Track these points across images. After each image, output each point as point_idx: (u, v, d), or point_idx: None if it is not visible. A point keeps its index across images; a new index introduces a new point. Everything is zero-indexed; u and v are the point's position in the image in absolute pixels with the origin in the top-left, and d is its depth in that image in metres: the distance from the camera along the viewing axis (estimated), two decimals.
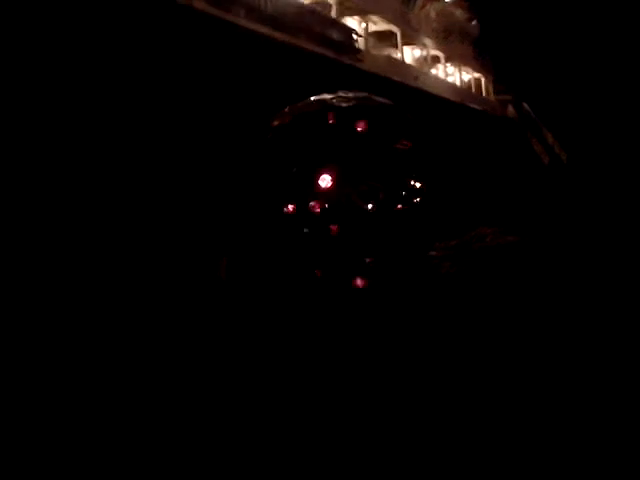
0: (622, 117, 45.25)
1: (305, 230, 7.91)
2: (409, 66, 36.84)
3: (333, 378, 7.31)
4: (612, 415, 6.24)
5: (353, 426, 6.19)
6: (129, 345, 7.77)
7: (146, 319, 8.64)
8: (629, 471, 5.18)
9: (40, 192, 12.70)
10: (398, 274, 9.57)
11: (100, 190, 13.58)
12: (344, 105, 8.23)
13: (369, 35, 32.32)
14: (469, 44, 46.15)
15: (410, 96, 30.99)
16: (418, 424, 6.30)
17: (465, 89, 45.94)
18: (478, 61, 47.09)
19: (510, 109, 49.21)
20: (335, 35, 27.11)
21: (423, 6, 39.70)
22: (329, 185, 7.49)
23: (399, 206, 7.80)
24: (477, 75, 48.54)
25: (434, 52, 40.80)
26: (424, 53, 39.54)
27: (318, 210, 7.69)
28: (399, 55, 35.51)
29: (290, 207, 8.00)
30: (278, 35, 22.85)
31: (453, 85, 43.31)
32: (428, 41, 39.66)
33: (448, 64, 43.08)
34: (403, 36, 35.72)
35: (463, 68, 45.72)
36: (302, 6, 25.90)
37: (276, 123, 8.59)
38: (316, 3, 28.40)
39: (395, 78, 31.48)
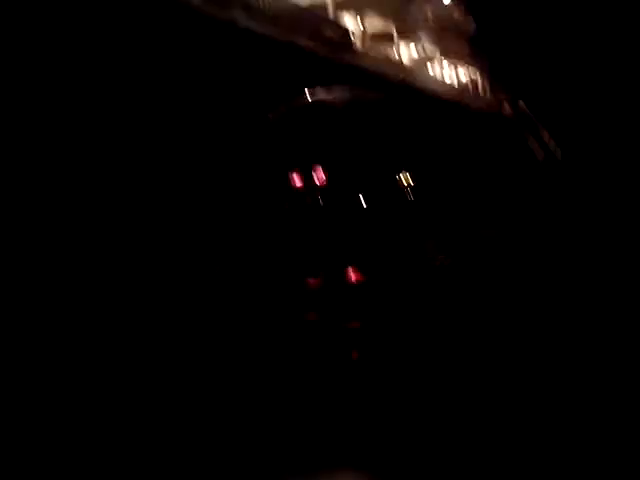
0: (618, 115, 45.41)
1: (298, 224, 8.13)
2: (405, 64, 36.99)
3: (330, 372, 7.51)
4: (610, 410, 6.43)
5: (354, 421, 6.39)
6: (128, 343, 7.97)
7: (147, 318, 8.83)
8: (629, 471, 5.35)
9: (61, 192, 12.84)
10: (392, 266, 9.78)
11: (93, 183, 13.69)
12: (338, 102, 8.42)
13: (365, 33, 32.44)
14: (465, 42, 46.25)
15: (406, 93, 31.18)
16: (416, 417, 6.50)
17: (461, 87, 46.05)
18: (474, 59, 47.18)
19: (506, 107, 49.27)
20: (331, 32, 27.26)
21: (420, 5, 39.84)
22: (322, 180, 7.71)
23: (391, 200, 8.05)
24: (473, 73, 48.62)
25: (430, 50, 40.92)
26: (420, 51, 39.67)
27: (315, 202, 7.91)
28: (395, 52, 35.65)
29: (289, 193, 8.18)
30: (274, 32, 23.00)
31: (449, 83, 43.44)
32: (424, 39, 39.79)
33: (444, 62, 43.19)
34: (399, 34, 35.84)
35: (459, 66, 45.83)
36: (298, 3, 26.05)
37: (271, 118, 8.80)
38: (312, 2, 28.55)
39: (391, 75, 31.63)
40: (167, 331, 8.20)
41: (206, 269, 10.14)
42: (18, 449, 5.45)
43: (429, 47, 40.64)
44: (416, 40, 39.02)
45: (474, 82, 49.10)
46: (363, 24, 32.14)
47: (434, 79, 40.36)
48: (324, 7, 29.03)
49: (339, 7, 29.92)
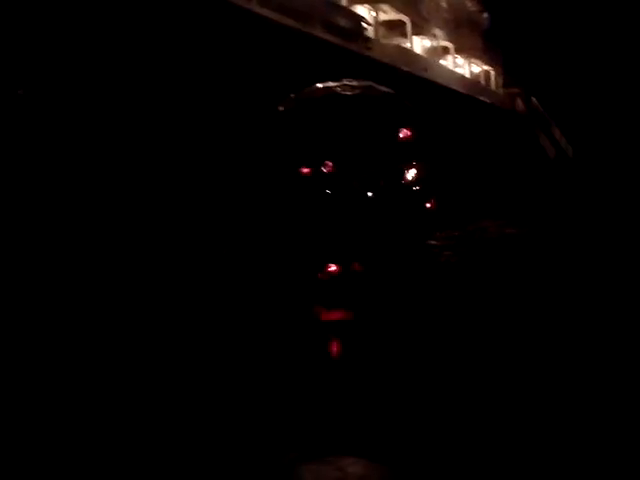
0: (630, 113, 45.18)
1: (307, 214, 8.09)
2: (418, 56, 36.78)
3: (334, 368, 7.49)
4: (611, 410, 6.36)
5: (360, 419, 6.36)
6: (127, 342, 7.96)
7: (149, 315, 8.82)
8: (629, 471, 5.29)
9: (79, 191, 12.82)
10: (397, 260, 9.72)
11: (102, 181, 13.66)
12: (348, 93, 8.39)
13: (379, 24, 32.25)
14: (479, 36, 46.00)
15: (418, 86, 30.99)
16: (418, 415, 6.44)
17: (474, 81, 45.84)
18: (488, 53, 46.94)
19: (518, 102, 49.07)
20: (344, 23, 27.12)
21: None
22: (332, 173, 7.67)
23: (396, 193, 7.99)
24: (486, 67, 48.39)
25: (444, 43, 40.69)
26: (434, 43, 39.43)
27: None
28: (408, 45, 35.43)
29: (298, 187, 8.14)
30: (288, 22, 22.90)
31: (462, 77, 43.22)
32: (438, 31, 39.54)
33: (457, 55, 42.96)
34: (413, 26, 35.61)
35: (472, 60, 45.59)
36: None
37: (281, 109, 8.76)
38: None
39: (404, 68, 31.45)
40: (170, 327, 8.20)
41: (215, 260, 10.15)
42: (18, 449, 5.41)
43: (443, 40, 40.41)
44: (430, 32, 38.80)
45: (487, 77, 48.90)
46: (377, 15, 31.94)
47: (447, 72, 40.15)
48: None
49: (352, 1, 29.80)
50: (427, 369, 7.61)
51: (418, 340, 8.44)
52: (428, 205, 9.95)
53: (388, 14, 33.66)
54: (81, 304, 9.09)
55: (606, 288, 11.22)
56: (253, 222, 8.92)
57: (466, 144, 33.01)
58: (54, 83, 13.59)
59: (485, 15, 47.44)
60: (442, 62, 40.68)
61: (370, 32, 30.25)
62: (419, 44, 38.42)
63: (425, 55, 38.53)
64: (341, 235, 8.65)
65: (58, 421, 5.91)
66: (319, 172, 8.17)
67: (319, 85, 9.01)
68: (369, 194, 8.25)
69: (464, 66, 44.87)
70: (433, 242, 14.31)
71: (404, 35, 35.32)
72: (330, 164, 8.15)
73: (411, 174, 8.80)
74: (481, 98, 42.79)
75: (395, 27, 34.85)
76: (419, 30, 37.10)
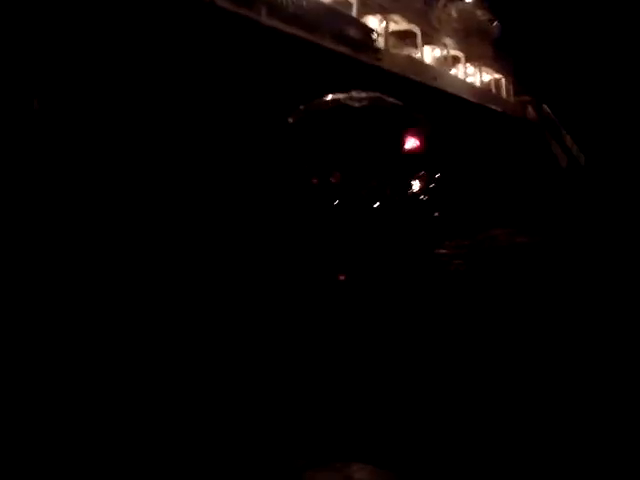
0: None
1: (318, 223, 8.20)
2: (429, 66, 36.89)
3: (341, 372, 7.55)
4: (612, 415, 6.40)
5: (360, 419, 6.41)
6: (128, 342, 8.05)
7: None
8: (629, 471, 5.32)
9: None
10: (406, 270, 9.79)
11: (110, 183, 13.78)
12: (356, 105, 8.50)
13: (389, 34, 32.39)
14: (489, 45, 46.07)
15: (429, 96, 31.08)
16: (422, 418, 6.49)
17: (485, 90, 45.89)
18: (498, 62, 47.00)
19: (530, 111, 49.08)
20: (354, 34, 27.26)
21: (444, 6, 39.73)
22: (341, 183, 7.79)
23: (403, 202, 8.08)
24: (497, 76, 48.45)
25: (454, 52, 40.79)
26: (444, 53, 39.55)
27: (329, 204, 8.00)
28: (419, 55, 35.55)
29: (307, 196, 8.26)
30: (298, 33, 23.05)
31: (473, 86, 43.29)
32: (448, 41, 39.65)
33: (468, 64, 43.05)
34: (423, 36, 35.75)
35: (483, 69, 45.66)
36: (322, 4, 26.10)
37: (291, 120, 8.88)
38: (337, 2, 28.59)
39: (414, 78, 31.56)
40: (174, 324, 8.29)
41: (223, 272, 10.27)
42: (18, 449, 5.47)
43: (453, 49, 40.52)
44: (440, 42, 38.92)
45: (498, 85, 48.95)
46: (387, 25, 32.07)
47: (458, 81, 40.23)
48: (348, 7, 29.06)
49: (363, 7, 29.89)
50: (435, 376, 7.65)
51: (427, 348, 8.49)
52: (436, 214, 10.03)
53: (398, 24, 33.80)
54: (82, 304, 9.18)
55: (619, 298, 11.21)
56: (263, 232, 9.02)
57: (477, 152, 33.04)
58: (68, 95, 13.75)
59: (495, 24, 47.52)
60: (452, 71, 40.78)
61: (380, 42, 30.37)
62: (429, 54, 38.55)
63: (435, 65, 38.64)
64: (349, 245, 8.73)
65: (58, 421, 5.97)
66: (328, 182, 8.26)
67: (328, 97, 9.12)
68: (377, 204, 8.32)
69: (475, 75, 44.94)
70: (443, 251, 14.40)
71: (414, 45, 35.45)
72: (338, 175, 8.25)
73: (419, 184, 8.88)
74: (492, 107, 42.83)
75: (405, 37, 35.00)
76: (429, 40, 37.23)
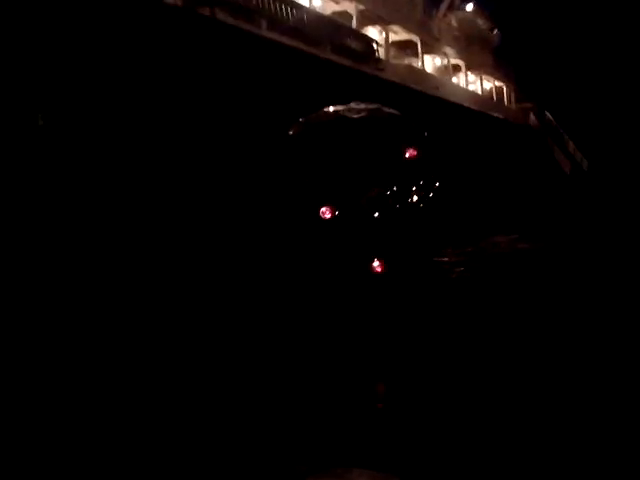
0: None
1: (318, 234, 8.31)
2: (430, 75, 37.04)
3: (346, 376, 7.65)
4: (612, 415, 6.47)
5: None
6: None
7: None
8: (629, 471, 5.39)
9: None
10: (407, 276, 9.88)
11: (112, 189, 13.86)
12: (355, 116, 8.64)
13: (390, 45, 32.55)
14: (490, 53, 46.23)
15: (431, 105, 31.21)
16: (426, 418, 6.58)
17: (486, 98, 46.01)
18: (499, 70, 47.14)
19: (532, 117, 49.16)
20: (355, 45, 27.43)
21: (444, 15, 39.91)
22: (340, 191, 7.92)
23: (402, 211, 8.18)
24: (499, 84, 48.57)
25: (455, 61, 40.94)
26: (445, 62, 39.70)
27: (329, 215, 8.11)
28: (420, 64, 35.70)
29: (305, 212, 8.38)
30: (299, 45, 23.20)
31: (474, 94, 43.42)
32: (449, 50, 39.81)
33: (469, 73, 43.19)
34: (424, 45, 35.90)
35: (484, 77, 45.79)
36: (322, 16, 26.30)
37: (291, 133, 9.02)
38: (337, 13, 28.79)
39: (416, 87, 31.70)
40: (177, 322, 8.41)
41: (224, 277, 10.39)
42: (18, 449, 5.54)
43: (454, 58, 40.67)
44: (441, 51, 39.08)
45: (500, 93, 49.06)
46: (387, 35, 32.23)
47: (459, 90, 40.37)
48: (349, 18, 29.23)
49: (363, 19, 30.06)
50: (436, 381, 7.74)
51: (428, 353, 8.58)
52: (437, 223, 10.14)
53: (399, 35, 33.96)
54: (83, 304, 9.28)
55: (622, 303, 11.27)
56: (263, 243, 9.15)
57: (480, 160, 33.14)
58: (72, 111, 13.89)
59: (496, 32, 47.70)
60: (454, 80, 40.92)
61: (381, 53, 30.54)
62: (430, 63, 38.70)
63: (437, 74, 38.79)
64: (351, 254, 8.85)
65: (58, 421, 6.02)
66: (328, 193, 8.40)
67: (327, 109, 9.26)
68: (377, 214, 8.45)
69: (476, 83, 45.08)
70: (445, 258, 14.51)
71: (415, 55, 35.61)
72: (339, 185, 8.38)
73: (419, 193, 9.00)
74: (494, 114, 42.94)
75: (406, 47, 35.15)
76: (430, 49, 37.38)
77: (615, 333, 9.59)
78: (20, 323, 8.47)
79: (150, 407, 6.50)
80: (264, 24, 21.47)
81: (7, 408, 6.23)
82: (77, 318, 8.72)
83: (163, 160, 15.08)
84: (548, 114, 48.59)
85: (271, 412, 6.59)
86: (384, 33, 32.16)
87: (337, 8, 29.08)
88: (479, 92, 44.93)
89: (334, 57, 25.63)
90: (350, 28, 28.69)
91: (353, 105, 9.21)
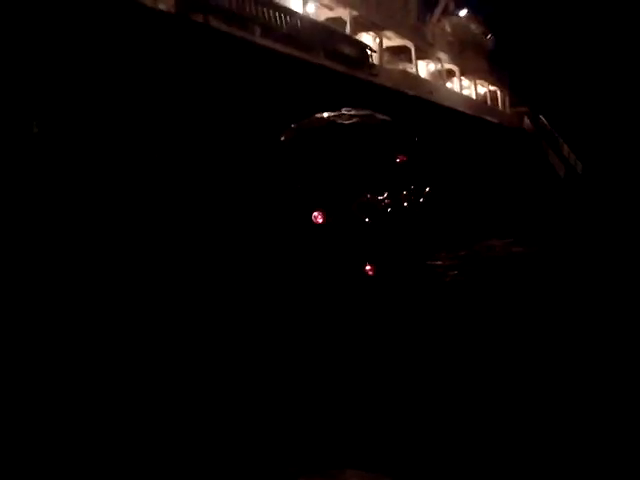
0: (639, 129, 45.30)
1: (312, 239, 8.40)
2: (424, 80, 37.18)
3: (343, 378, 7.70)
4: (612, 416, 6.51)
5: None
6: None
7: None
8: (629, 471, 5.44)
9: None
10: (399, 280, 9.95)
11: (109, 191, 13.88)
12: (346, 122, 8.73)
13: (384, 50, 32.68)
14: (484, 57, 46.41)
15: (425, 110, 31.33)
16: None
17: (480, 102, 46.18)
18: (493, 74, 47.33)
19: (526, 121, 49.36)
20: (349, 51, 27.54)
21: (438, 21, 40.09)
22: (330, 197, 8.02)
23: (393, 216, 8.28)
24: (493, 88, 48.76)
25: (449, 66, 41.10)
26: (439, 67, 39.85)
27: (321, 220, 8.20)
28: (414, 70, 35.84)
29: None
30: (293, 52, 23.29)
31: (468, 98, 43.58)
32: (443, 55, 39.97)
33: (463, 78, 43.35)
34: (417, 51, 36.04)
35: (478, 81, 45.97)
36: (316, 23, 26.40)
37: (282, 139, 9.11)
38: (331, 20, 28.90)
39: (410, 92, 31.83)
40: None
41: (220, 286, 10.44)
42: (18, 449, 5.58)
43: (448, 63, 40.82)
44: (435, 56, 39.23)
45: (494, 97, 49.25)
46: (381, 41, 32.35)
47: (453, 94, 40.51)
48: (342, 25, 29.34)
49: (357, 25, 30.17)
50: (430, 383, 7.79)
51: (422, 356, 8.64)
52: (429, 226, 10.22)
53: (392, 40, 34.11)
54: (82, 304, 9.31)
55: (615, 307, 11.32)
56: (256, 248, 9.22)
57: (475, 164, 33.23)
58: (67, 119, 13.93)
59: (489, 37, 47.91)
60: (448, 85, 41.07)
61: (375, 58, 30.65)
62: (424, 68, 38.84)
63: (431, 79, 38.93)
64: (344, 258, 8.92)
65: (58, 421, 6.05)
66: (320, 198, 8.48)
67: (318, 115, 9.35)
68: (368, 218, 8.53)
69: (470, 88, 45.25)
70: (439, 262, 14.55)
71: (409, 60, 35.74)
72: (330, 190, 8.46)
73: (411, 197, 9.09)
74: (488, 118, 43.11)
75: (400, 52, 35.28)
76: (424, 54, 37.53)
77: (610, 335, 9.65)
78: (20, 323, 8.51)
79: (145, 408, 6.55)
80: (258, 31, 21.56)
81: (7, 408, 6.26)
82: (77, 318, 8.77)
83: (157, 165, 15.13)
84: (542, 118, 48.78)
85: (265, 413, 6.65)
86: (378, 39, 32.28)
87: (331, 14, 29.20)
88: (473, 96, 45.10)
89: (328, 63, 25.73)
90: (344, 34, 28.80)
91: (344, 111, 9.30)
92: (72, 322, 8.68)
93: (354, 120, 8.96)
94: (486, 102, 47.68)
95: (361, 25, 30.72)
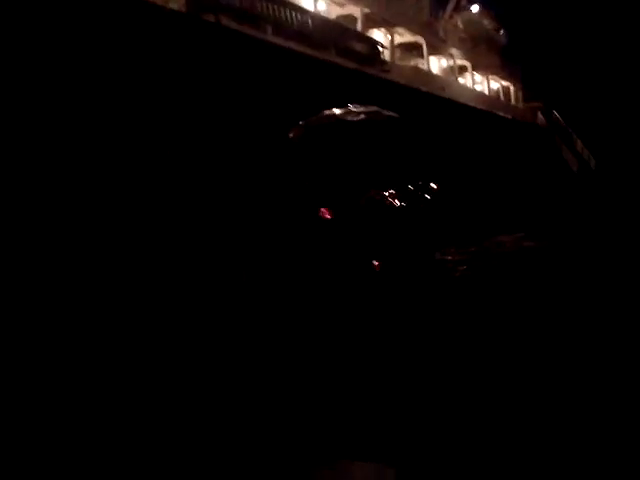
0: None
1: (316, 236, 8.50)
2: (436, 76, 37.16)
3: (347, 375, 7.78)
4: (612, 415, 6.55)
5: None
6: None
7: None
8: (629, 471, 5.49)
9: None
10: (410, 277, 10.01)
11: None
12: (354, 119, 8.82)
13: (395, 46, 32.68)
14: (497, 53, 46.29)
15: (437, 106, 31.34)
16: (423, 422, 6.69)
17: (493, 97, 46.07)
18: (506, 69, 47.20)
19: (540, 116, 49.17)
20: (360, 47, 27.58)
21: (450, 17, 40.02)
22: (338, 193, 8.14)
23: (401, 211, 8.38)
24: (505, 83, 48.62)
25: (461, 62, 41.03)
26: (451, 63, 39.80)
27: (328, 217, 8.31)
28: (426, 66, 35.81)
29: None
30: (305, 49, 23.37)
31: (481, 94, 43.50)
32: (455, 51, 39.91)
33: (475, 73, 43.27)
34: (430, 47, 36.01)
35: (491, 77, 45.86)
36: (327, 20, 26.47)
37: (291, 135, 9.23)
38: (342, 17, 28.96)
39: (422, 88, 31.84)
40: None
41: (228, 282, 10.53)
42: (18, 449, 5.66)
43: (460, 59, 40.75)
44: (447, 52, 39.18)
45: (507, 92, 49.10)
46: (392, 37, 32.36)
47: (465, 90, 40.45)
48: (353, 21, 29.40)
49: (368, 21, 30.21)
50: (437, 376, 7.85)
51: (430, 348, 8.70)
52: (439, 222, 10.28)
53: (404, 37, 34.11)
54: (82, 304, 9.40)
55: (627, 303, 11.30)
56: (264, 247, 9.33)
57: (488, 159, 33.20)
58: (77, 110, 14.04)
59: (502, 32, 47.77)
60: (460, 80, 41.01)
61: (387, 55, 30.68)
62: (436, 64, 38.81)
63: (443, 75, 38.90)
64: (353, 254, 9.00)
65: (58, 421, 6.13)
66: (328, 194, 8.58)
67: (326, 112, 9.44)
68: (376, 214, 8.63)
69: (483, 83, 45.16)
70: (448, 257, 14.60)
71: (421, 56, 35.73)
72: (338, 188, 8.56)
73: (417, 194, 9.17)
74: (501, 114, 43.01)
75: (412, 48, 35.27)
76: (436, 50, 37.49)
77: (620, 332, 9.66)
78: (20, 323, 8.62)
79: (152, 399, 6.66)
80: (269, 29, 21.66)
81: (7, 408, 6.34)
82: (77, 318, 8.88)
83: (167, 160, 15.23)
84: (556, 113, 48.58)
85: (274, 406, 6.74)
86: (389, 35, 32.30)
87: (342, 12, 29.26)
88: (486, 92, 45.00)
89: (339, 60, 25.80)
90: (355, 31, 28.85)
91: (352, 108, 9.39)
92: (72, 322, 8.79)
93: (361, 117, 9.05)
94: (499, 97, 47.55)
95: (372, 22, 30.74)
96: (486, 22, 44.81)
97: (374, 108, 9.53)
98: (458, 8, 40.76)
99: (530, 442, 6.16)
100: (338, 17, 28.77)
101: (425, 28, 35.90)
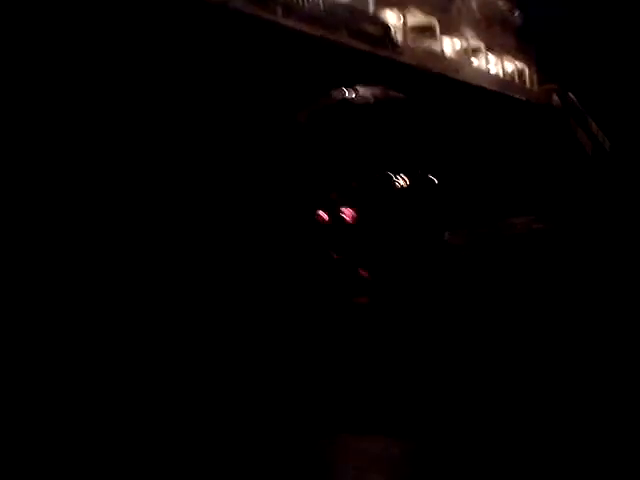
0: None
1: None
2: (449, 58, 36.86)
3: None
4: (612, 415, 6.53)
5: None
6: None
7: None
8: (629, 471, 5.48)
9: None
10: (420, 257, 10.01)
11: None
12: (360, 101, 8.76)
13: (408, 28, 32.40)
14: (511, 34, 45.84)
15: (450, 87, 31.13)
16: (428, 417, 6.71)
17: (507, 79, 45.68)
18: (521, 51, 46.74)
19: (555, 98, 48.70)
20: (372, 29, 27.37)
21: None
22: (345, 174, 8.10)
23: (407, 194, 8.34)
24: (520, 65, 48.17)
25: (475, 43, 40.66)
26: (465, 45, 39.44)
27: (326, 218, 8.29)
28: (439, 47, 35.52)
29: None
30: (316, 31, 23.22)
31: (495, 75, 43.14)
32: (469, 32, 39.54)
33: (490, 54, 42.88)
34: (443, 28, 35.67)
35: (505, 58, 45.44)
36: (338, 2, 26.28)
37: (299, 118, 9.20)
38: None
39: (435, 70, 31.61)
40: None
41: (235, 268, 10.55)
42: (18, 449, 5.70)
43: (474, 40, 40.38)
44: (460, 33, 38.82)
45: (521, 74, 48.66)
46: (405, 18, 32.08)
47: (479, 72, 40.11)
48: (365, 3, 29.15)
49: (380, 2, 29.95)
50: (449, 355, 7.87)
51: (441, 329, 8.72)
52: (448, 205, 10.26)
53: (417, 18, 33.80)
54: (82, 304, 9.46)
55: (637, 286, 11.24)
56: (270, 229, 9.33)
57: (502, 142, 33.01)
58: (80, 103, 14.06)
59: (517, 13, 47.27)
60: (474, 62, 40.67)
61: (399, 36, 30.44)
62: (450, 46, 38.47)
63: (456, 56, 38.57)
64: (361, 237, 9.02)
65: (58, 421, 6.18)
66: (336, 178, 8.57)
67: (333, 93, 9.39)
68: (384, 195, 8.60)
69: (497, 65, 44.76)
70: (460, 239, 14.55)
71: (434, 38, 35.42)
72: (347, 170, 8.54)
73: (425, 177, 9.13)
74: (515, 95, 42.65)
75: (425, 30, 34.96)
76: (449, 32, 37.16)
77: (632, 317, 9.61)
78: (20, 323, 8.66)
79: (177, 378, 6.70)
80: (279, 11, 21.53)
81: (7, 408, 6.37)
82: (77, 318, 8.92)
83: (173, 145, 15.24)
84: (571, 95, 48.11)
85: (289, 384, 6.78)
86: (402, 16, 32.01)
87: None
88: (500, 74, 44.61)
89: (351, 42, 25.62)
90: (367, 13, 28.63)
91: (358, 89, 9.34)
92: (73, 322, 8.83)
93: (368, 98, 9.00)
94: (513, 79, 47.13)
95: (384, 2, 30.47)
96: (500, 3, 44.37)
97: (379, 89, 9.47)
98: None
99: (532, 419, 6.19)
100: None
101: (438, 9, 35.56)
